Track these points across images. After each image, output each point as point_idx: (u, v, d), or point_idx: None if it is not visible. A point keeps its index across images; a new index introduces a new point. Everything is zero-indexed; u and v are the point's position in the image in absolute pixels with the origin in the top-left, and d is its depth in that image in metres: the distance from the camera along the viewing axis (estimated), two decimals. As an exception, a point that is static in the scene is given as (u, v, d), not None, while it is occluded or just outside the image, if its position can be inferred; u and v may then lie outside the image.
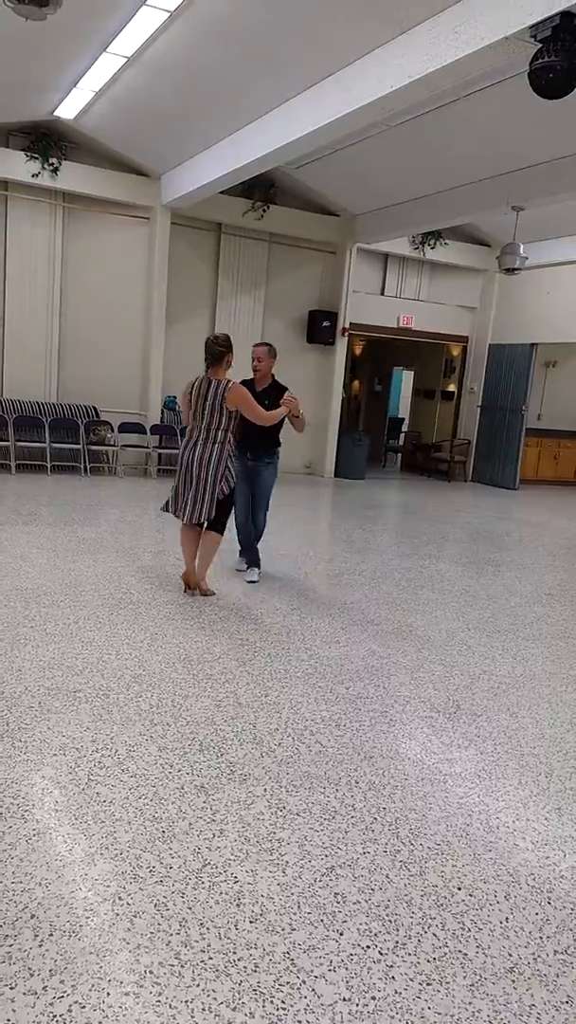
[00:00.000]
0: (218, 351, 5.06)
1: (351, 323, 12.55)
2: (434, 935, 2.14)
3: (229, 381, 5.09)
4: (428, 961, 2.05)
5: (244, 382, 5.47)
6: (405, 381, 17.67)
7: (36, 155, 9.85)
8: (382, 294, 13.22)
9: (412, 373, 16.62)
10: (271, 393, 5.62)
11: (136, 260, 11.02)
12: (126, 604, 4.93)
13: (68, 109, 8.99)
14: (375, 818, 2.70)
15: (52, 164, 9.93)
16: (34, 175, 9.91)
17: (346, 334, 12.55)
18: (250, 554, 5.87)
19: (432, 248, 12.76)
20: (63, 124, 9.60)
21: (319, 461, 12.82)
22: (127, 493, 9.61)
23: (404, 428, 17.05)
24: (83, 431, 10.47)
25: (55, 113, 9.20)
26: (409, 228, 11.72)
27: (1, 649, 3.93)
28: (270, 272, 12.08)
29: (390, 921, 2.19)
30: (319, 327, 12.29)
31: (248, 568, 5.86)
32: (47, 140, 9.84)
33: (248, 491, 5.72)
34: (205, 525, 5.14)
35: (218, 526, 5.15)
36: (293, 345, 12.45)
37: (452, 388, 14.59)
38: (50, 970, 1.87)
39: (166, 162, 10.12)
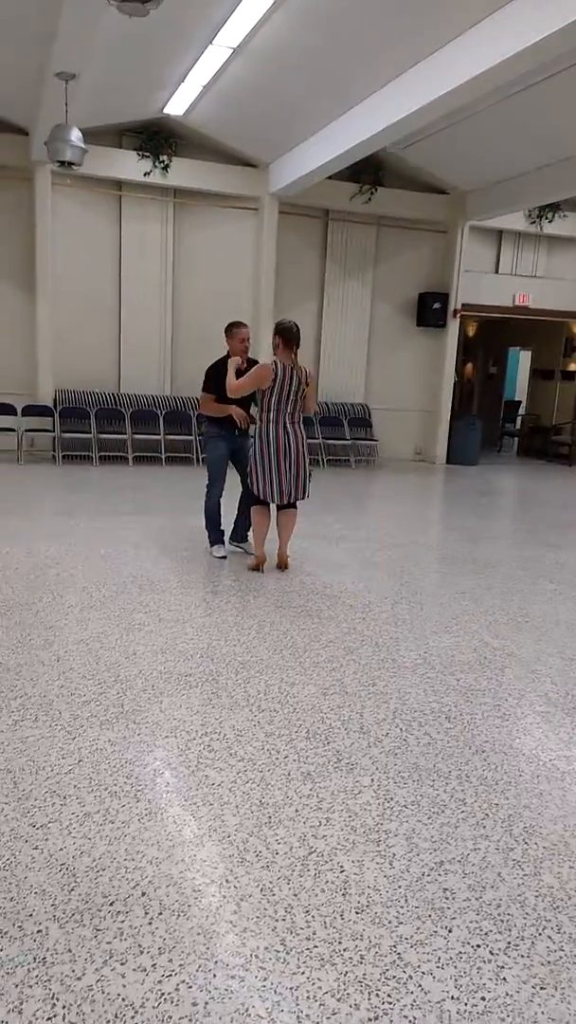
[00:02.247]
0: (299, 337, 5.17)
1: (463, 304, 12.20)
2: (549, 938, 2.05)
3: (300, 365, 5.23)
4: (542, 964, 1.96)
5: (219, 362, 5.57)
6: (522, 362, 17.02)
7: (147, 153, 10.11)
8: (496, 272, 12.77)
9: (529, 353, 15.99)
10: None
11: (245, 251, 11.14)
12: (235, 591, 5.00)
13: (177, 105, 9.15)
14: (487, 814, 2.61)
15: (163, 161, 10.17)
16: (146, 173, 10.19)
17: (458, 315, 12.20)
18: (239, 527, 5.93)
19: (550, 221, 12.21)
20: (172, 121, 9.79)
21: (430, 447, 12.57)
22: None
23: (521, 411, 16.44)
24: (195, 423, 10.71)
25: (164, 111, 9.40)
26: (524, 202, 11.24)
27: (118, 634, 4.08)
28: (378, 255, 11.91)
29: (502, 921, 2.11)
30: (429, 309, 12.02)
31: (243, 542, 5.95)
32: (158, 138, 10.08)
33: (226, 470, 5.76)
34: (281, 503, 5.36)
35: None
36: (402, 329, 12.27)
37: (573, 368, 13.92)
38: (159, 948, 1.92)
39: (273, 151, 10.14)
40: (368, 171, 10.96)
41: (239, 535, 5.95)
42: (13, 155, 9.71)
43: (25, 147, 9.62)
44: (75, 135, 7.52)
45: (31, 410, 10.18)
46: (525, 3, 5.67)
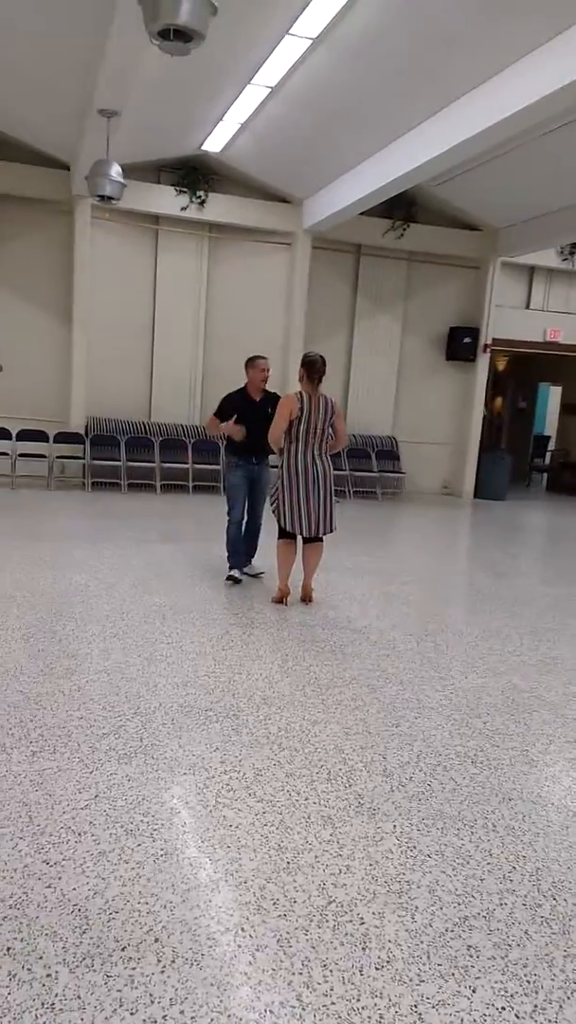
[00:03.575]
0: (323, 369, 5.22)
1: (494, 339, 12.18)
2: (578, 1005, 1.95)
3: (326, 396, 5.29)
4: (571, 1034, 1.86)
5: (236, 393, 5.85)
6: (552, 397, 16.92)
7: (185, 189, 10.31)
8: (527, 307, 12.77)
9: (560, 388, 15.89)
10: (271, 402, 5.68)
11: (277, 284, 11.26)
12: (258, 624, 4.96)
13: (214, 143, 9.34)
14: (514, 867, 2.52)
15: (199, 197, 10.35)
16: (183, 208, 10.37)
17: (488, 350, 12.19)
18: (246, 551, 6.06)
19: (582, 258, 12.20)
20: (209, 157, 9.99)
21: (457, 481, 12.49)
22: (266, 513, 9.73)
23: (550, 446, 16.30)
24: (223, 453, 10.74)
25: (202, 147, 9.59)
26: (556, 239, 11.27)
27: (139, 665, 4.05)
28: (409, 290, 11.97)
29: (528, 982, 2.02)
30: (459, 344, 12.02)
31: (246, 565, 6.08)
32: (195, 174, 10.28)
33: (246, 496, 5.90)
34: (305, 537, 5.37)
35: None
36: (432, 362, 12.27)
37: (604, 404, 13.81)
38: (171, 999, 1.86)
39: (308, 187, 10.28)
40: (401, 207, 11.06)
41: (245, 559, 6.10)
42: (54, 189, 9.96)
43: (66, 181, 9.86)
44: (115, 170, 7.70)
45: (63, 437, 10.31)
46: (561, 43, 5.71)
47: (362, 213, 10.24)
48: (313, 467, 5.18)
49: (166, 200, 10.34)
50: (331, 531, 5.33)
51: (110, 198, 7.85)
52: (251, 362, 5.84)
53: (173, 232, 10.73)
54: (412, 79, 6.88)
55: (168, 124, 8.86)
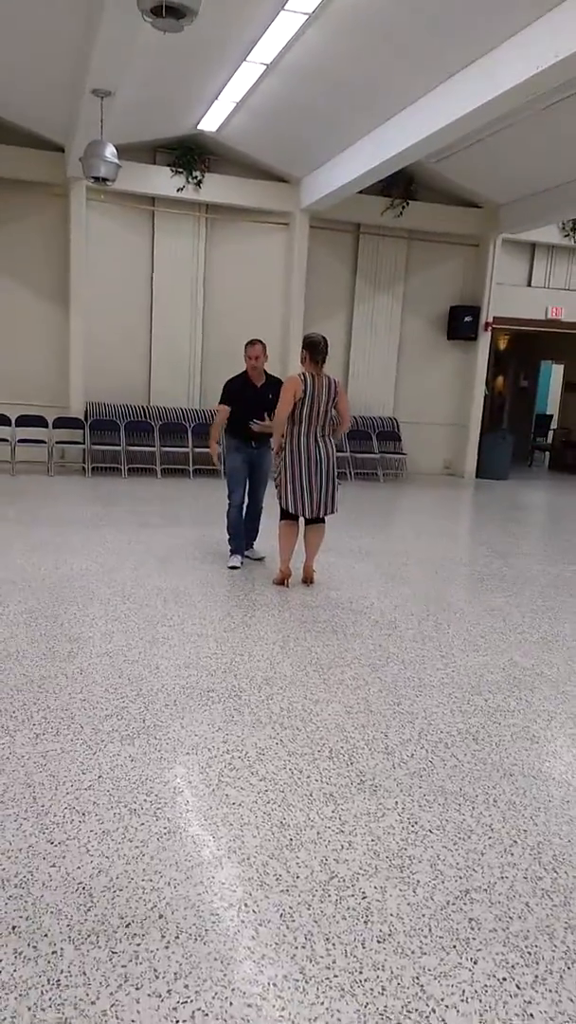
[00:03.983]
0: (325, 351, 5.18)
1: (495, 317, 12.10)
2: (579, 975, 1.97)
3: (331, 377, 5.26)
4: (571, 1000, 1.88)
5: (237, 377, 5.83)
6: (554, 375, 16.84)
7: (181, 169, 10.21)
8: (529, 285, 12.67)
9: (562, 367, 15.81)
10: (273, 387, 5.66)
11: (275, 265, 11.18)
12: (259, 605, 4.97)
13: (210, 122, 9.24)
14: (515, 840, 2.53)
15: (196, 177, 10.26)
16: (179, 189, 10.28)
17: (489, 329, 12.11)
18: (248, 535, 6.08)
19: (585, 234, 12.09)
20: (205, 137, 9.89)
21: (459, 461, 12.46)
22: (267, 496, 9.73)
23: (553, 425, 16.24)
24: (223, 436, 10.71)
25: (198, 127, 9.49)
26: (559, 215, 11.16)
27: (141, 647, 4.06)
28: (409, 269, 11.88)
29: (529, 953, 2.04)
30: (460, 323, 11.95)
31: (248, 549, 6.11)
32: (191, 154, 10.18)
33: (246, 479, 5.89)
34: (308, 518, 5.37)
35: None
36: (433, 342, 12.20)
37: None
38: (175, 973, 1.88)
39: (305, 166, 10.18)
40: (399, 185, 10.96)
41: (246, 543, 6.11)
42: (49, 171, 9.87)
43: (60, 163, 9.77)
44: (110, 151, 7.62)
45: (62, 422, 10.29)
46: (560, 15, 5.63)
47: (360, 191, 10.14)
48: (316, 449, 5.17)
49: (162, 181, 10.25)
50: (333, 512, 5.33)
51: (105, 179, 7.78)
52: (246, 347, 5.83)
53: (169, 213, 10.65)
54: (409, 55, 6.78)
55: (163, 104, 8.76)
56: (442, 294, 12.07)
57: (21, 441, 10.00)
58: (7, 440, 9.92)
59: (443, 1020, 1.80)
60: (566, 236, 12.09)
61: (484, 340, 12.13)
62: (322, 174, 9.97)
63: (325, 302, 11.48)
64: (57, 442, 10.29)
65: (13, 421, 10.04)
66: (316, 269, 11.24)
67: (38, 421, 10.14)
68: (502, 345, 14.87)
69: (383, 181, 10.11)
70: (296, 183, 10.68)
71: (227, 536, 5.95)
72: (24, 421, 10.10)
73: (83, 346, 10.38)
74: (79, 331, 10.33)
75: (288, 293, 11.13)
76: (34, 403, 10.36)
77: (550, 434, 16.16)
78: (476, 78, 6.64)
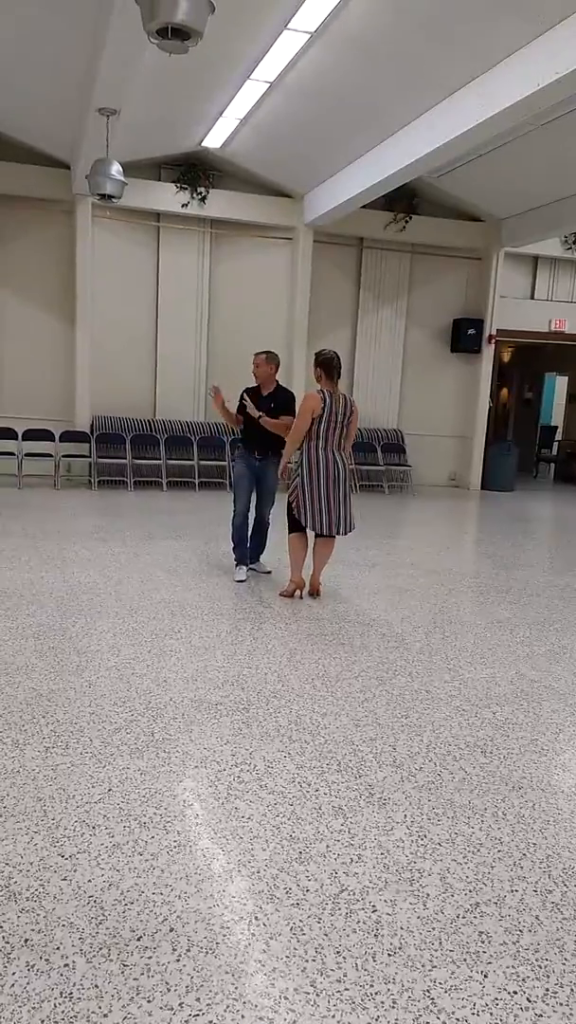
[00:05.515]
0: (339, 368, 5.28)
1: (498, 330, 12.16)
2: (590, 989, 1.97)
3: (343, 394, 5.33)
4: (583, 1017, 1.88)
5: (252, 388, 5.87)
6: (558, 387, 16.87)
7: (185, 186, 10.32)
8: (532, 298, 12.74)
9: (566, 379, 15.84)
10: (276, 398, 5.75)
11: (279, 280, 11.26)
12: (266, 618, 4.98)
13: (214, 139, 9.34)
14: (524, 854, 2.53)
15: (200, 193, 10.36)
16: (184, 205, 10.39)
17: (493, 341, 12.16)
18: (251, 548, 6.04)
19: (586, 247, 12.16)
20: (209, 154, 9.99)
21: (464, 473, 12.48)
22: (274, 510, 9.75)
23: (557, 436, 16.25)
24: (228, 449, 10.77)
25: (202, 144, 9.59)
26: (560, 229, 11.22)
27: (149, 660, 4.08)
28: (412, 283, 11.96)
29: (539, 967, 2.03)
30: (464, 335, 12.01)
31: (255, 562, 6.11)
32: (195, 171, 10.29)
33: (251, 487, 5.86)
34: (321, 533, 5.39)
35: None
36: (437, 354, 12.26)
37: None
38: (187, 987, 1.88)
39: (308, 182, 10.28)
40: (402, 200, 11.05)
41: (253, 556, 6.11)
42: (55, 188, 9.98)
43: (66, 181, 9.89)
44: (115, 169, 7.71)
45: (68, 436, 10.36)
46: (559, 33, 5.70)
47: (363, 206, 10.23)
48: (334, 464, 5.20)
49: (167, 197, 10.35)
50: (349, 530, 5.34)
51: (111, 196, 7.87)
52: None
53: (174, 229, 10.75)
54: (409, 73, 6.86)
55: (168, 121, 8.86)
56: (445, 307, 12.14)
57: (28, 455, 10.06)
58: (14, 454, 9.99)
59: (454, 1034, 1.80)
60: (568, 249, 12.16)
61: (488, 353, 12.18)
62: (325, 190, 10.06)
63: (329, 316, 11.55)
64: (63, 456, 10.36)
65: (20, 435, 10.11)
66: (320, 283, 11.32)
67: (45, 435, 10.21)
68: (506, 358, 14.93)
69: (386, 196, 10.20)
70: (299, 198, 10.78)
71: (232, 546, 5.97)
72: (31, 435, 10.17)
73: (89, 360, 10.46)
74: (85, 345, 10.41)
75: (292, 307, 11.20)
76: (41, 417, 10.44)
77: (555, 446, 16.18)
78: (476, 96, 6.71)
